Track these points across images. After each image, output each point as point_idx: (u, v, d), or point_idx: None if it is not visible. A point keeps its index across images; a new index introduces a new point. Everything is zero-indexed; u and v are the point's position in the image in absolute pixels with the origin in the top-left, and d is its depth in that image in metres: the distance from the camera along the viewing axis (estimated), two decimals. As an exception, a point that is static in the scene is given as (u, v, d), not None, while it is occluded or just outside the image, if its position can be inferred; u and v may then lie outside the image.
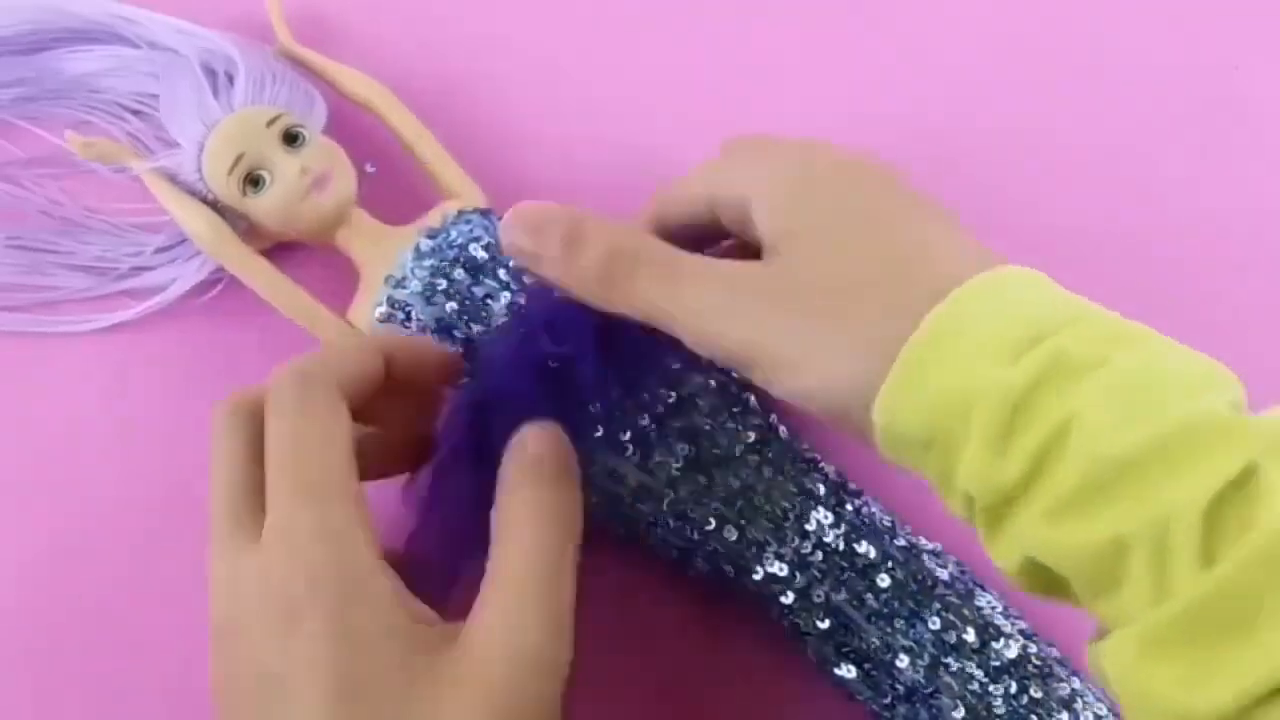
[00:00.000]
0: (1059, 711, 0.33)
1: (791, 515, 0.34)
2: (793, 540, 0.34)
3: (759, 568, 0.34)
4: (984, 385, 0.25)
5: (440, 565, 0.32)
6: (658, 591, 0.38)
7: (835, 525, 0.35)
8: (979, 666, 0.33)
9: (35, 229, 0.41)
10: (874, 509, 0.36)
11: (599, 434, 0.34)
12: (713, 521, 0.34)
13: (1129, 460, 0.24)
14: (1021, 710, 0.33)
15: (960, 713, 0.33)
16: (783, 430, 0.36)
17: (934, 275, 0.28)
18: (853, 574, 0.34)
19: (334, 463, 0.29)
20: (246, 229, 0.39)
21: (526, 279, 0.36)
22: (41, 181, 0.41)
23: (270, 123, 0.38)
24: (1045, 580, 0.26)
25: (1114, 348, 0.26)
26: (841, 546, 0.34)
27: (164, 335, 0.40)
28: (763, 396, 0.36)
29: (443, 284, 0.36)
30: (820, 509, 0.35)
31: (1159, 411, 0.24)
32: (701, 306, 0.30)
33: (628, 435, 0.34)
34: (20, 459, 0.39)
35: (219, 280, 0.40)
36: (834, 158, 0.32)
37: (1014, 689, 0.33)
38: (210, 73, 0.40)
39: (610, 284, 0.30)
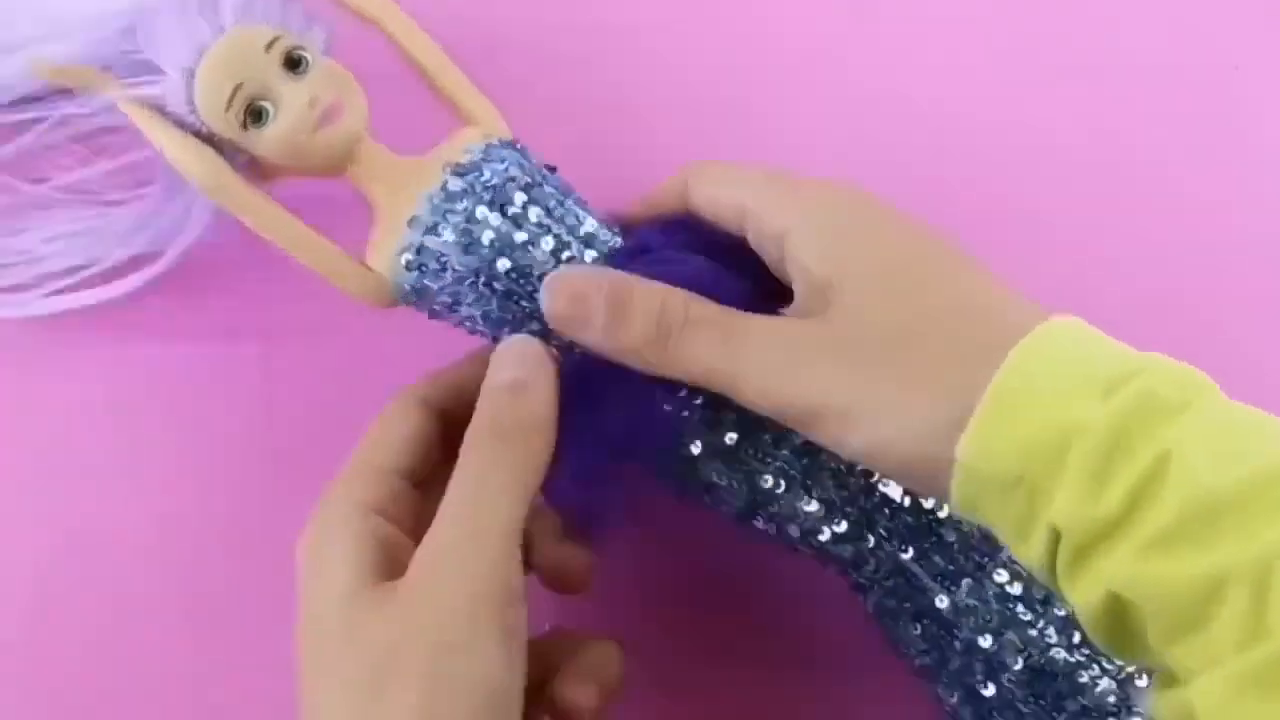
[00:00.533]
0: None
1: (857, 470, 0.33)
2: (858, 498, 0.33)
3: (825, 528, 0.33)
4: (1081, 420, 0.26)
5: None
6: (670, 589, 0.39)
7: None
8: (1043, 618, 0.33)
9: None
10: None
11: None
12: (781, 483, 0.33)
13: (1230, 497, 0.24)
14: (1084, 659, 0.33)
15: (1019, 664, 0.33)
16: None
17: (998, 323, 0.29)
18: (919, 529, 0.34)
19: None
20: (246, 163, 0.35)
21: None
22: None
23: (269, 45, 0.33)
24: (1120, 623, 0.27)
25: (1194, 393, 0.27)
26: (907, 502, 0.34)
27: (165, 341, 0.40)
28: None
29: (479, 230, 0.33)
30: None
31: (1257, 451, 0.25)
32: (764, 367, 0.30)
33: (686, 393, 0.32)
34: (19, 461, 0.39)
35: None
36: (874, 207, 0.32)
37: (1077, 639, 0.33)
38: None
39: (661, 349, 0.31)
